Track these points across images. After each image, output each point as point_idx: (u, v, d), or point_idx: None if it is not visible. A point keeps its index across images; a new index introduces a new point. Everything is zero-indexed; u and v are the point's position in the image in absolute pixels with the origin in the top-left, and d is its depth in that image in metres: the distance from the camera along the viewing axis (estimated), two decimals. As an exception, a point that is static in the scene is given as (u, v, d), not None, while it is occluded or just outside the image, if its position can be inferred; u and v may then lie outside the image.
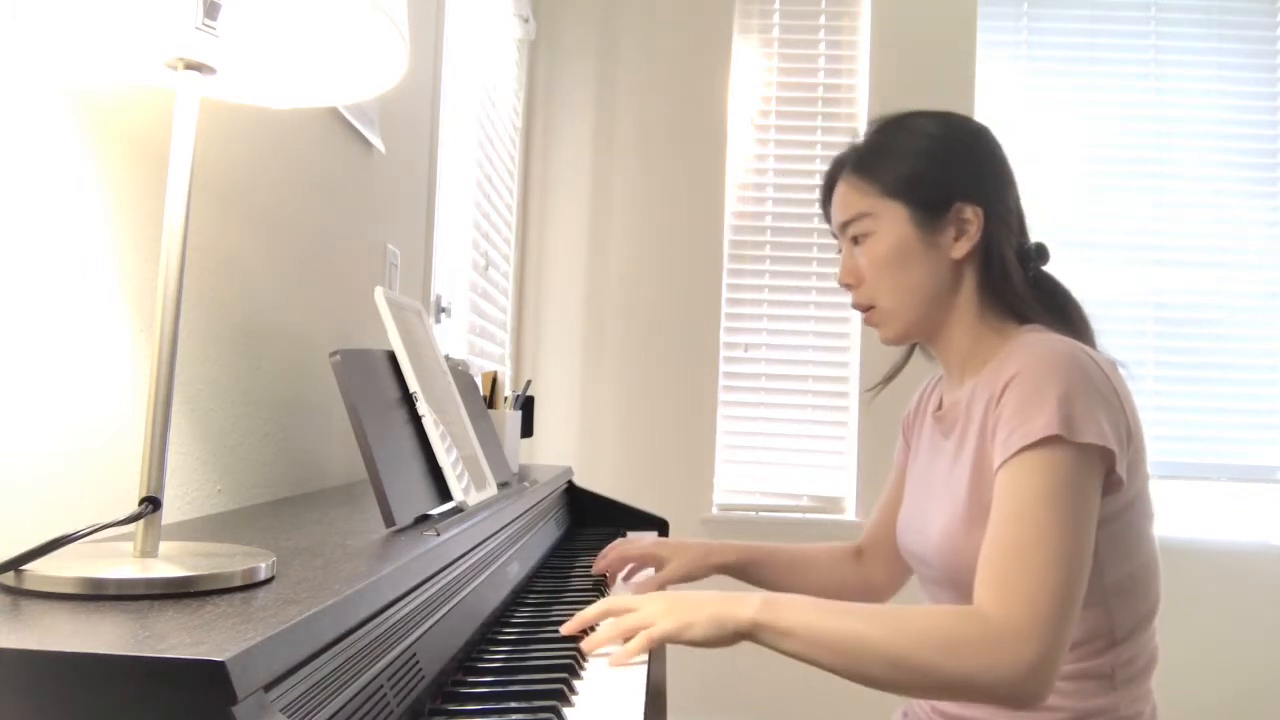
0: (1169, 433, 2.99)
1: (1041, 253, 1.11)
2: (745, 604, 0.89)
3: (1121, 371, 1.00)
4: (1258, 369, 3.00)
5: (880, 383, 1.24)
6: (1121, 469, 0.91)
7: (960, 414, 1.06)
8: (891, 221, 1.06)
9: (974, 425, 1.02)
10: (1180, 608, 2.87)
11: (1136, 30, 3.08)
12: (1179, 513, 2.97)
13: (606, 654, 0.90)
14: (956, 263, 1.06)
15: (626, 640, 0.89)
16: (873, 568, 1.31)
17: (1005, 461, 0.91)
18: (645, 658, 0.90)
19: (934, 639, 0.84)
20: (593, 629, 0.96)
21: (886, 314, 1.09)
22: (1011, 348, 1.00)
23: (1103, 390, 0.92)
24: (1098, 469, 0.90)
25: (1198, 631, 2.88)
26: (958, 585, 1.02)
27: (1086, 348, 0.97)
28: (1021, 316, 1.07)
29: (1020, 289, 1.06)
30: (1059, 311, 1.08)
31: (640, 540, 1.32)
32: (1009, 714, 1.00)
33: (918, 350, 1.21)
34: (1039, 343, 0.97)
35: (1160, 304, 3.02)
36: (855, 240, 1.10)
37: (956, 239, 1.06)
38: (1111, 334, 2.99)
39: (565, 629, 0.94)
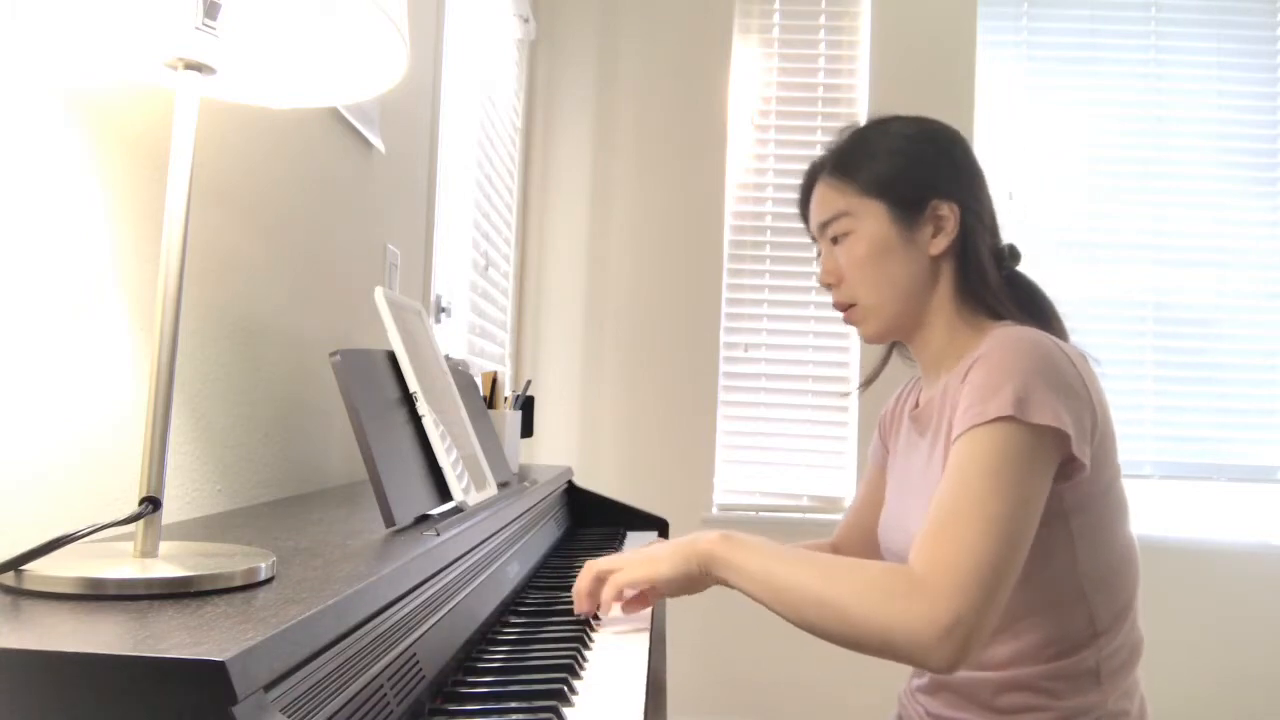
0: (1169, 433, 2.99)
1: (1014, 254, 1.13)
2: (705, 538, 0.96)
3: (1095, 367, 1.01)
4: (1258, 369, 3.00)
5: (863, 384, 1.30)
6: (1081, 454, 0.91)
7: (934, 411, 1.07)
8: (870, 220, 1.09)
9: (945, 421, 1.03)
10: (1180, 608, 2.88)
11: (1136, 30, 3.07)
12: (1179, 513, 2.97)
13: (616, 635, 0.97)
14: (934, 259, 1.09)
15: (602, 593, 0.97)
16: None
17: (958, 437, 0.92)
18: (648, 613, 0.99)
19: (859, 585, 0.86)
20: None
21: (867, 311, 1.11)
22: (982, 340, 1.02)
23: (1067, 378, 0.93)
24: (1050, 451, 0.90)
25: (1197, 632, 2.88)
26: None
27: (1056, 339, 0.99)
28: (996, 314, 1.08)
29: (995, 285, 1.08)
30: (1033, 309, 1.10)
31: None
32: (995, 714, 1.00)
33: (896, 354, 1.23)
34: (1009, 333, 0.98)
35: (1160, 304, 3.02)
36: (834, 240, 1.12)
37: (934, 236, 1.08)
38: (1111, 334, 3.01)
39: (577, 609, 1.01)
